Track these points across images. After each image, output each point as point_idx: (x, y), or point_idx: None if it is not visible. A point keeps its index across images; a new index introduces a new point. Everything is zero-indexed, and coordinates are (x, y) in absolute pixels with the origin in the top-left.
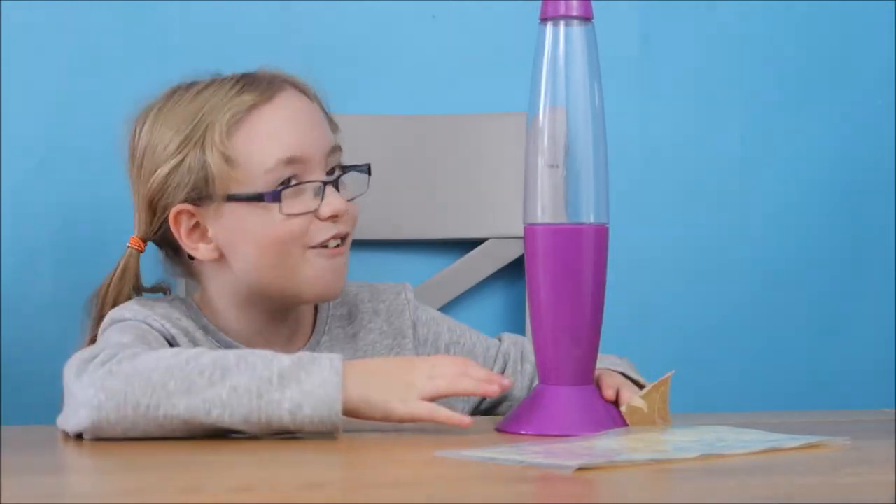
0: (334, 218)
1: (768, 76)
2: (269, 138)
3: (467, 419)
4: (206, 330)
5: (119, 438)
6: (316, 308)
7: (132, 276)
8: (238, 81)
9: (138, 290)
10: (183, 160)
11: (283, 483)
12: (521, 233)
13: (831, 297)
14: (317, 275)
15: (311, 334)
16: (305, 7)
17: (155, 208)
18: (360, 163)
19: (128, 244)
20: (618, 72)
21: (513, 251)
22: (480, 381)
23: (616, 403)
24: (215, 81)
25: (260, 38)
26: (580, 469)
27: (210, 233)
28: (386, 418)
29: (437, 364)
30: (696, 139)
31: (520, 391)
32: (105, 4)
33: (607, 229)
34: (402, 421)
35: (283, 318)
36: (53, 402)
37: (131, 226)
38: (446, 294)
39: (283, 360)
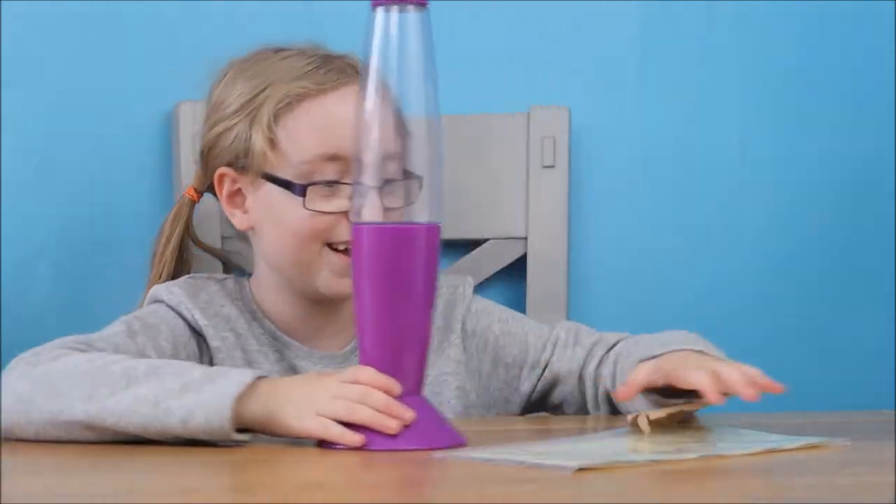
0: None
1: (768, 76)
2: (315, 131)
3: (358, 437)
4: (253, 315)
5: (31, 440)
6: None
7: (183, 223)
8: (311, 62)
9: (193, 239)
10: (233, 127)
11: (283, 483)
12: (522, 233)
13: (831, 298)
14: (330, 274)
15: None
16: (305, 7)
17: (206, 164)
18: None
19: (184, 192)
20: (618, 72)
21: (513, 251)
22: (378, 413)
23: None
24: (295, 54)
25: (259, 39)
26: (580, 469)
27: (247, 202)
28: (285, 433)
29: (343, 384)
30: (695, 139)
31: (567, 374)
32: (105, 4)
33: (439, 228)
34: (299, 437)
35: (326, 308)
36: None
37: (132, 226)
38: None
39: (195, 371)
